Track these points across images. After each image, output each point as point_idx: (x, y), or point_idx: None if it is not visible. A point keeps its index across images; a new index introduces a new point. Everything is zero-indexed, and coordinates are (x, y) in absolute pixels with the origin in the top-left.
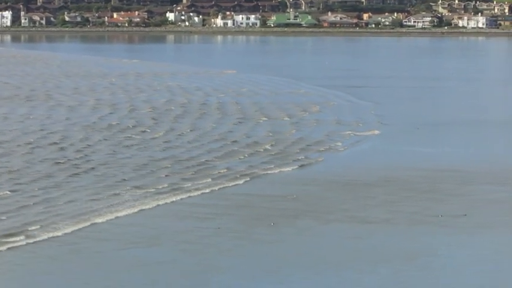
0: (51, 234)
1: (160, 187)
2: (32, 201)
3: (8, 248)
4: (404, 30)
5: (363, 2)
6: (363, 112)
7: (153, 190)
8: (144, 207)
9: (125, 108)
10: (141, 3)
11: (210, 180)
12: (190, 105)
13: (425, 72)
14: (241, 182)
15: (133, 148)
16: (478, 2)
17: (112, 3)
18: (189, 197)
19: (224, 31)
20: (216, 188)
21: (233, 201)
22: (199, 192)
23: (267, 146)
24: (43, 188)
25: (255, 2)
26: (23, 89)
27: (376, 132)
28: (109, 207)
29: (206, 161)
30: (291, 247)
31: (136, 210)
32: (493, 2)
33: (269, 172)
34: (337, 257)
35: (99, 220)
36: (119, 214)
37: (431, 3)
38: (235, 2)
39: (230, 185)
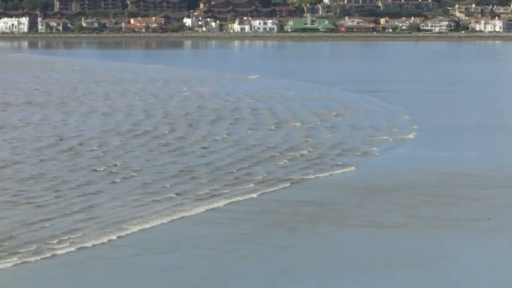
0: (90, 243)
1: (201, 193)
2: (72, 209)
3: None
4: (421, 34)
5: (380, 6)
6: (395, 116)
7: (192, 196)
8: (184, 214)
9: (158, 114)
10: (158, 9)
11: (251, 185)
12: (223, 110)
13: (444, 77)
14: (278, 188)
15: (170, 154)
16: (495, 6)
17: (129, 9)
18: (229, 203)
19: (241, 36)
20: (255, 194)
21: (260, 207)
22: (239, 199)
23: (304, 152)
24: (83, 195)
25: (272, 7)
26: (54, 95)
27: (411, 136)
28: (150, 214)
29: (244, 167)
30: (309, 252)
31: (176, 217)
32: (510, 6)
33: (306, 177)
34: (355, 261)
35: (138, 228)
36: (162, 221)
37: (448, 8)
38: (252, 7)
39: (268, 191)
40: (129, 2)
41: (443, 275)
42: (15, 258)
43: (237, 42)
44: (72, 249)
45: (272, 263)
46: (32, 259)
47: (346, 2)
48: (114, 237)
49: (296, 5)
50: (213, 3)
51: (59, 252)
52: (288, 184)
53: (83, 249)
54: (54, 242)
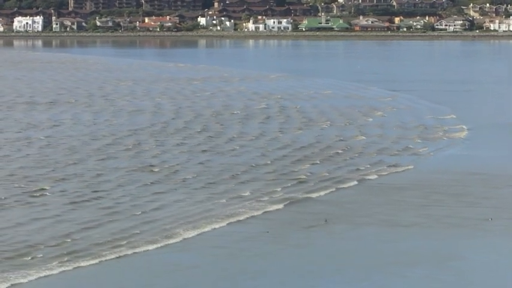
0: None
1: (246, 194)
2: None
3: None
4: (435, 33)
5: (394, 5)
6: (443, 115)
7: (237, 196)
8: (232, 220)
9: (189, 114)
10: (173, 8)
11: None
12: (269, 109)
13: (461, 76)
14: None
15: (208, 153)
16: (509, 5)
17: (143, 8)
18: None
19: (256, 35)
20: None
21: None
22: (282, 198)
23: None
24: (124, 196)
25: (287, 6)
26: (81, 94)
27: (463, 134)
28: (200, 214)
29: (287, 164)
30: (322, 251)
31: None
32: None
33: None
34: (368, 260)
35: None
36: (212, 223)
37: (462, 7)
38: (267, 6)
39: (303, 193)
40: (143, 1)
41: (457, 274)
42: None
43: (251, 42)
44: None
45: (286, 262)
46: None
47: (360, 1)
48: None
49: (311, 4)
50: (227, 2)
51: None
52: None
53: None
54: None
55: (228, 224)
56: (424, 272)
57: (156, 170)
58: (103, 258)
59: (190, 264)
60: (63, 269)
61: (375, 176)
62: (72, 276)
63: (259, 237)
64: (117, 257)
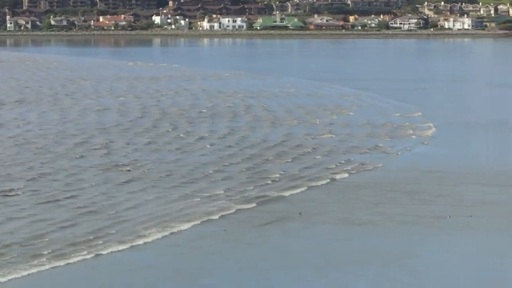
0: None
1: (218, 193)
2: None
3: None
4: (390, 32)
5: (349, 4)
6: (409, 113)
7: (209, 196)
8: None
9: (156, 112)
10: (127, 7)
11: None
12: (236, 108)
13: (415, 74)
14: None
15: (179, 152)
16: (464, 3)
17: (98, 6)
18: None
19: (210, 34)
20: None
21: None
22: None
23: (309, 150)
24: (98, 196)
25: (241, 5)
26: (46, 93)
27: (430, 132)
28: (171, 214)
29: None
30: (276, 249)
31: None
32: (479, 4)
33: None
34: (323, 258)
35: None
36: (189, 221)
37: (417, 5)
38: (222, 5)
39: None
40: (98, 0)
41: (412, 273)
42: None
43: (206, 40)
44: None
45: (239, 260)
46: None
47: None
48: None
49: (265, 2)
50: (182, 1)
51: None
52: (269, 181)
53: None
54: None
55: (200, 222)
56: (378, 271)
57: (128, 169)
58: (79, 258)
59: (149, 264)
60: (38, 269)
61: (345, 175)
62: (47, 276)
63: (217, 236)
64: (93, 256)
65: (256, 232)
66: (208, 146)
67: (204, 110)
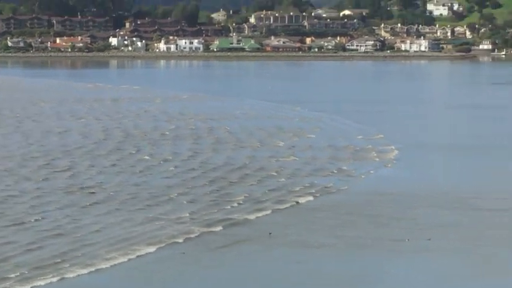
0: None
1: (182, 216)
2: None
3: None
4: (347, 54)
5: (305, 26)
6: (371, 136)
7: (173, 219)
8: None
9: (119, 134)
10: (84, 28)
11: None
12: (198, 130)
13: (374, 96)
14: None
15: (143, 174)
16: (420, 25)
17: (55, 28)
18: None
19: (167, 56)
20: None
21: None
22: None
23: (273, 173)
24: (64, 218)
25: (198, 27)
26: (8, 115)
27: (393, 155)
28: (136, 237)
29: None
30: (232, 272)
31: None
32: (436, 26)
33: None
34: (282, 281)
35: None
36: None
37: (374, 27)
38: (178, 27)
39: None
40: (55, 22)
41: None
42: None
43: (163, 62)
44: None
45: (196, 283)
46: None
47: (272, 21)
48: None
49: (222, 24)
50: (139, 22)
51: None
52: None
53: None
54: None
55: (165, 246)
56: None
57: (93, 191)
58: (45, 282)
59: (113, 287)
60: None
61: (310, 198)
62: None
63: (178, 259)
64: (59, 279)
65: (215, 255)
66: (172, 169)
67: (167, 132)
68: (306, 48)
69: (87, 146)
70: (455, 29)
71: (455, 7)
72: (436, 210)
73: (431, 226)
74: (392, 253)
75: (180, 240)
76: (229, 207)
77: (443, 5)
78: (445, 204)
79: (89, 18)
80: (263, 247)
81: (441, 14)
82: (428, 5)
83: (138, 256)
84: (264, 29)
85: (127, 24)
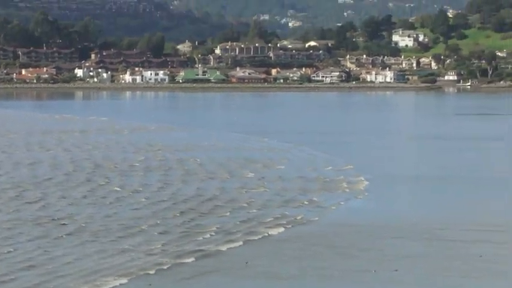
0: None
1: (153, 248)
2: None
3: None
4: (312, 85)
5: (271, 57)
6: (340, 166)
7: (144, 251)
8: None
9: (88, 166)
10: (50, 60)
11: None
12: (168, 161)
13: (340, 127)
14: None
15: (115, 206)
16: (386, 56)
17: (20, 59)
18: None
19: (133, 87)
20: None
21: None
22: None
23: (244, 204)
24: (35, 250)
25: (163, 58)
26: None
27: (363, 186)
28: (108, 269)
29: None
30: None
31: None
32: (401, 57)
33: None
34: None
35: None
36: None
37: (339, 58)
38: (144, 58)
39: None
40: (20, 53)
41: None
42: None
43: (128, 93)
44: None
45: None
46: None
47: (237, 52)
48: None
49: (187, 55)
50: (104, 53)
51: None
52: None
53: None
54: None
55: (136, 277)
56: None
57: (64, 222)
58: None
59: None
60: None
61: (281, 229)
62: None
63: None
64: None
65: (182, 286)
66: (143, 200)
67: (137, 164)
68: (272, 80)
69: (58, 178)
70: (421, 60)
71: (421, 38)
72: (404, 241)
73: (399, 257)
74: (358, 284)
75: (152, 272)
76: (201, 238)
77: (409, 36)
78: (413, 235)
79: (55, 49)
80: (231, 278)
81: (406, 45)
82: (393, 36)
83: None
84: (230, 60)
85: (92, 56)
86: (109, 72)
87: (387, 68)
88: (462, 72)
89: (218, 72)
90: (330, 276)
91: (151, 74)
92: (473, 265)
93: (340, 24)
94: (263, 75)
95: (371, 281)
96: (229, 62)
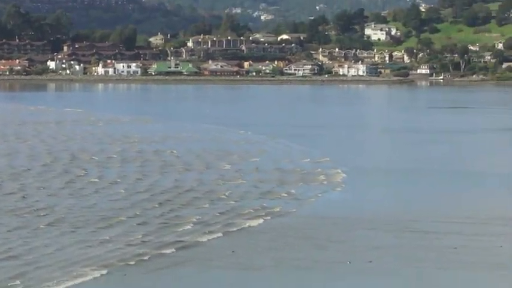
0: None
1: (133, 238)
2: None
3: None
4: (284, 78)
5: (243, 50)
6: (317, 159)
7: (124, 242)
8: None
9: (66, 157)
10: (22, 52)
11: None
12: (145, 153)
13: (313, 120)
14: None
15: (94, 197)
16: (358, 50)
17: None
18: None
19: (105, 79)
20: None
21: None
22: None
23: (222, 196)
24: (16, 241)
25: (136, 51)
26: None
27: (340, 178)
28: (88, 259)
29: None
30: None
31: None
32: (374, 50)
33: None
34: None
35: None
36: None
37: (311, 51)
38: (116, 51)
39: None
40: None
41: None
42: None
43: (101, 85)
44: None
45: None
46: None
47: (210, 45)
48: None
49: (160, 48)
50: (77, 46)
51: None
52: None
53: None
54: None
55: (116, 268)
56: None
57: (44, 213)
58: None
59: None
60: None
61: (261, 221)
62: None
63: (117, 281)
64: None
65: (152, 277)
66: (122, 191)
67: (114, 156)
68: (244, 72)
69: (35, 169)
70: (393, 53)
71: (393, 32)
72: (378, 232)
73: (373, 248)
74: (333, 275)
75: (132, 263)
76: (180, 229)
77: (381, 30)
78: (387, 227)
79: (27, 41)
80: (208, 268)
81: (379, 39)
82: (366, 29)
83: (84, 279)
84: (202, 53)
85: (65, 48)
86: (81, 65)
87: (359, 62)
88: (435, 66)
89: (190, 65)
90: (306, 268)
91: (123, 66)
92: (446, 256)
93: (312, 18)
94: (235, 68)
95: (346, 272)
96: (202, 55)
